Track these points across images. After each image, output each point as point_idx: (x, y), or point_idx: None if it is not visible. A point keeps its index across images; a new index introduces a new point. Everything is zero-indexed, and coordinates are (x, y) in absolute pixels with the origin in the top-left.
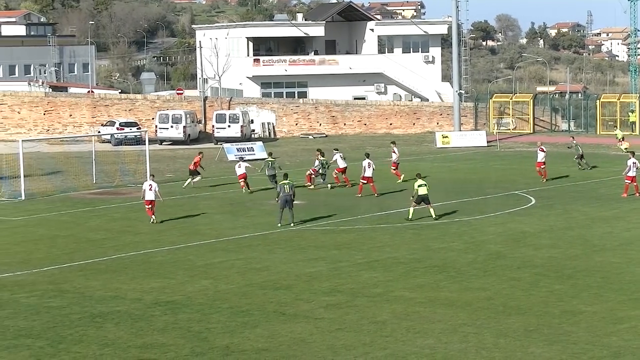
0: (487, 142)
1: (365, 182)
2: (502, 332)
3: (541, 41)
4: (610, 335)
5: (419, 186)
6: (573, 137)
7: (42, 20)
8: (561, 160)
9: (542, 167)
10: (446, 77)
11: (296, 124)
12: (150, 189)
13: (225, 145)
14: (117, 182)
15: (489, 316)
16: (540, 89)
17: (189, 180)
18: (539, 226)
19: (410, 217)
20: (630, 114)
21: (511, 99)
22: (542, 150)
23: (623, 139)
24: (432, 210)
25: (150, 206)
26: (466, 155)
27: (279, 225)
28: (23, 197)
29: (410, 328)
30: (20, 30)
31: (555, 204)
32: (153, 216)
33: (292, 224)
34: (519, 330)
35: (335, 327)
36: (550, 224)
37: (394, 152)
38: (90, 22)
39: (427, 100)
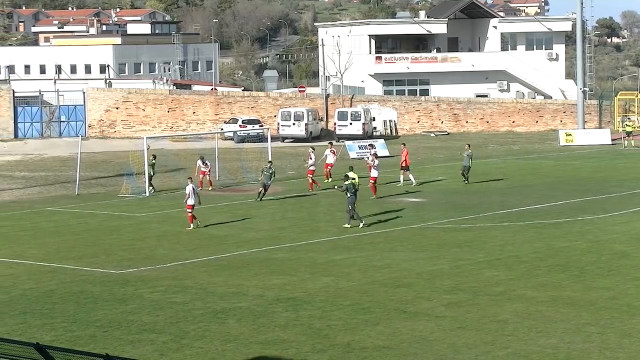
0: (612, 140)
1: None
2: (626, 332)
3: None
4: None
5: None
6: (469, 145)
7: (166, 18)
8: None
9: None
10: (570, 74)
11: (418, 122)
12: (193, 193)
13: (347, 142)
14: (239, 179)
15: (613, 316)
16: None
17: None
18: None
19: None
20: None
21: (636, 96)
22: None
23: None
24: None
25: (191, 211)
26: (590, 154)
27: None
28: (147, 194)
29: (533, 327)
30: (146, 28)
31: None
32: (193, 223)
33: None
34: None
35: (457, 325)
36: None
37: (332, 152)
38: (214, 20)
39: (551, 97)
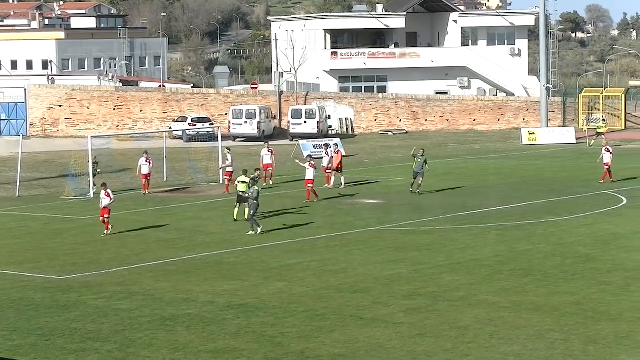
0: (576, 139)
1: (329, 171)
2: (591, 338)
3: (634, 33)
4: None
5: (239, 182)
6: (423, 150)
7: (112, 12)
8: None
9: (607, 168)
10: (533, 70)
11: (375, 120)
12: (106, 195)
13: (301, 141)
14: (187, 180)
15: (578, 322)
16: (632, 83)
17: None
18: (631, 227)
19: (235, 217)
20: None
21: (602, 93)
22: (608, 151)
23: None
24: (246, 211)
25: (107, 216)
26: (554, 153)
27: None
28: (92, 196)
29: (494, 334)
30: (90, 22)
31: None
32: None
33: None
34: (609, 337)
35: (415, 332)
36: None
37: (270, 152)
38: (162, 14)
39: (513, 95)
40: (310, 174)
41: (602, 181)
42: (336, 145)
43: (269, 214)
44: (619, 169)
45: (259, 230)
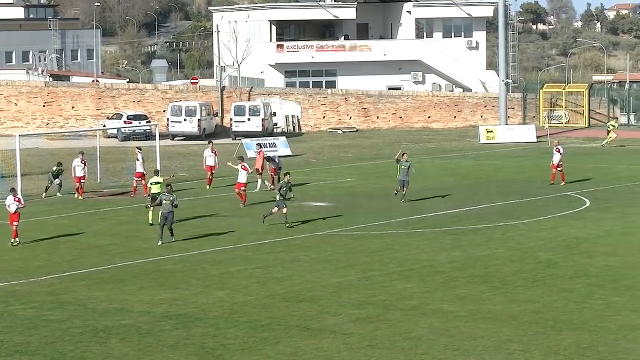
0: (537, 137)
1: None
2: (552, 349)
3: (598, 25)
4: None
5: (152, 183)
6: (405, 154)
7: (42, 1)
8: (618, 157)
9: (559, 169)
10: (491, 64)
11: (323, 117)
12: (16, 200)
13: (245, 140)
14: (123, 182)
15: (538, 332)
16: (596, 77)
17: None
18: (595, 231)
19: (150, 221)
20: None
21: (564, 89)
22: (559, 151)
23: None
24: (150, 215)
25: (16, 223)
26: (513, 152)
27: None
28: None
29: (449, 345)
30: (18, 12)
31: (612, 207)
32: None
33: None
34: (571, 347)
35: (366, 343)
36: (607, 228)
37: (214, 153)
38: (96, 4)
39: (470, 90)
40: (242, 177)
41: (552, 181)
42: (259, 145)
43: (209, 216)
44: (583, 169)
45: (173, 239)
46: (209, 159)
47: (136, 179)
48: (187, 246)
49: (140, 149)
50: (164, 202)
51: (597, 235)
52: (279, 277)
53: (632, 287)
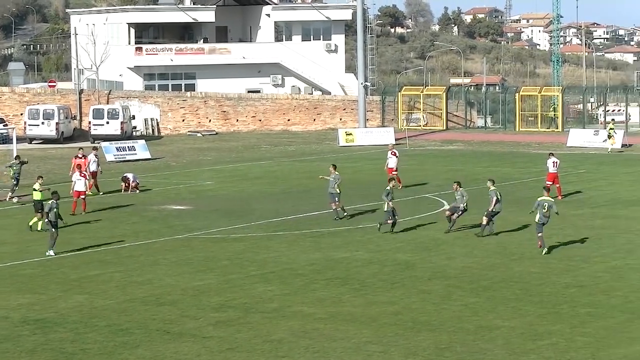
0: (396, 139)
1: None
2: (411, 350)
3: (455, 28)
4: (529, 352)
5: (34, 190)
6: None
7: None
8: (475, 159)
9: (395, 173)
10: (350, 67)
11: (183, 120)
12: None
13: (104, 144)
14: None
15: (397, 333)
16: (454, 80)
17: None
18: (453, 233)
19: (38, 228)
20: (552, 109)
21: (422, 92)
22: (394, 155)
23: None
24: (38, 223)
25: None
26: (372, 155)
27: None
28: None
29: (309, 347)
30: None
31: (469, 208)
32: None
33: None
34: (430, 348)
35: (226, 346)
36: (465, 229)
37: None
38: None
39: (329, 93)
40: (80, 185)
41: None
42: (81, 149)
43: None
44: (441, 171)
45: (50, 253)
46: (93, 165)
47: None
48: (45, 250)
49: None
50: (53, 210)
51: (455, 236)
52: (139, 281)
53: (489, 287)
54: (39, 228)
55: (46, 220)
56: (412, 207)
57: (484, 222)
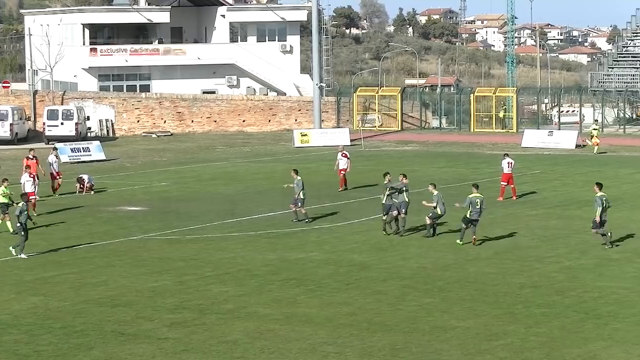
0: (351, 140)
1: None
2: (366, 351)
3: (410, 29)
4: (484, 352)
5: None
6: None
7: None
8: (430, 160)
9: (343, 173)
10: (306, 68)
11: (138, 121)
12: None
13: (58, 145)
14: None
15: (352, 334)
16: (409, 81)
17: None
18: (407, 234)
19: (10, 229)
20: (502, 110)
21: (377, 93)
22: (345, 156)
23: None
24: (8, 224)
25: None
26: (327, 156)
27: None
28: None
29: (265, 348)
30: None
31: (424, 209)
32: None
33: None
34: (385, 348)
35: (181, 348)
36: (420, 230)
37: (56, 157)
38: None
39: (285, 94)
40: (29, 186)
41: (340, 189)
42: (32, 150)
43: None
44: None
45: (22, 255)
46: (55, 165)
47: None
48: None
49: None
50: (24, 212)
51: (410, 237)
52: (94, 282)
53: (443, 288)
54: (10, 230)
55: (17, 224)
56: (367, 208)
57: (428, 222)
